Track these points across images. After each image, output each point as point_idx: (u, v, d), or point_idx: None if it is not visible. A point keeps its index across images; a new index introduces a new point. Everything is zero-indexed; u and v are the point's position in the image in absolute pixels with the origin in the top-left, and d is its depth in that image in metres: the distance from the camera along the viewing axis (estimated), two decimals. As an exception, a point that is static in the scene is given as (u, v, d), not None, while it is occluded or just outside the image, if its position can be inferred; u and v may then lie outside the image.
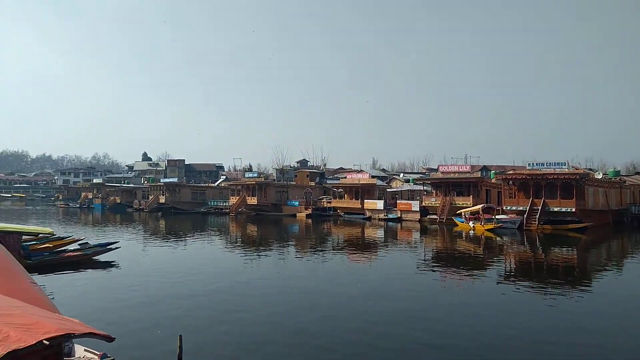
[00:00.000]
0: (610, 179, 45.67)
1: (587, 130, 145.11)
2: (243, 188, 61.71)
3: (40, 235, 18.67)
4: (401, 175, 75.03)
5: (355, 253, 25.02)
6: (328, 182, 66.03)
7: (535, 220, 36.48)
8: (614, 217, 40.83)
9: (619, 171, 53.80)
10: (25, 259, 16.79)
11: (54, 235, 19.73)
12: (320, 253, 24.91)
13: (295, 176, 72.43)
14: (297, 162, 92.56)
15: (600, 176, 44.38)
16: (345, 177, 60.76)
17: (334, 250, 26.19)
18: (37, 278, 11.79)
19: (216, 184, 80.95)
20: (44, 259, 18.20)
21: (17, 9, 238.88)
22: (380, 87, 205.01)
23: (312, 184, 65.57)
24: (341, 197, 56.50)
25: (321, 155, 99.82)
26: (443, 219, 43.08)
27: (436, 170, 59.90)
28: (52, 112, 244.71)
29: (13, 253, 10.52)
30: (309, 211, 54.87)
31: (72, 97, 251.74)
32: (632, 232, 37.10)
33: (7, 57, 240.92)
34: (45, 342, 4.53)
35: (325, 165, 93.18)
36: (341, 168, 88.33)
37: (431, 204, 46.36)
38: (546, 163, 39.88)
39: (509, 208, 39.66)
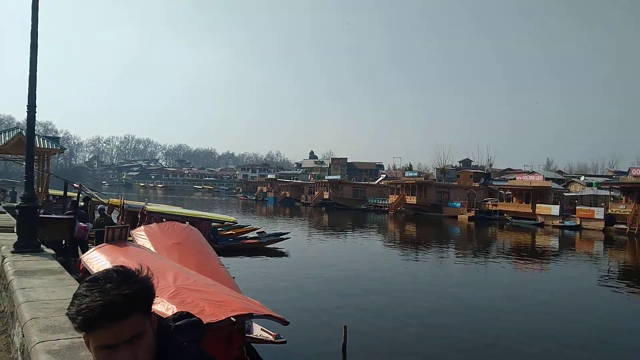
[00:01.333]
0: None
1: None
2: (402, 187, 61.56)
3: (225, 222, 21.24)
4: (582, 178, 66.68)
5: (523, 261, 23.12)
6: (494, 183, 62.07)
7: None
8: None
9: None
10: (213, 243, 19.34)
11: (236, 223, 22.31)
12: (484, 258, 23.62)
13: (458, 176, 69.61)
14: (460, 162, 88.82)
15: None
16: (515, 179, 56.40)
17: (499, 256, 24.57)
18: (222, 260, 13.51)
19: (376, 182, 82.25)
20: (228, 244, 20.70)
21: (215, 29, 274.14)
22: (555, 81, 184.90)
23: (476, 185, 62.27)
24: (509, 200, 52.59)
25: (487, 155, 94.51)
26: (635, 229, 37.12)
27: (627, 173, 51.74)
28: (235, 116, 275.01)
29: (205, 237, 12.25)
30: (472, 213, 52.24)
31: (249, 102, 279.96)
32: None
33: (213, 73, 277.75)
34: (232, 318, 5.22)
35: (491, 165, 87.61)
36: (509, 169, 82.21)
37: (620, 211, 40.27)
38: None
39: None
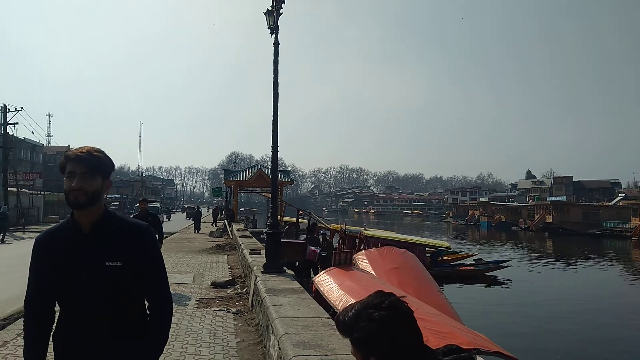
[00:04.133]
0: None
1: None
2: (650, 208, 51.33)
3: (439, 248, 20.95)
4: None
5: None
6: None
7: None
8: None
9: None
10: (429, 269, 19.21)
11: (450, 249, 21.80)
12: None
13: None
14: None
15: None
16: None
17: None
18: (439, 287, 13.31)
19: (612, 202, 70.57)
20: (443, 270, 20.32)
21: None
22: None
23: None
24: None
25: None
26: None
27: None
28: (449, 139, 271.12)
29: (422, 263, 12.29)
30: None
31: (457, 124, 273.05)
32: None
33: (414, 99, 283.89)
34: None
35: None
36: None
37: None
38: None
39: None
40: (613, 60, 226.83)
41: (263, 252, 9.27)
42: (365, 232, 19.46)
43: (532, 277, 22.54)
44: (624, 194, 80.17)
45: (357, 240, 18.57)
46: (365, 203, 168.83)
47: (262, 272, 7.97)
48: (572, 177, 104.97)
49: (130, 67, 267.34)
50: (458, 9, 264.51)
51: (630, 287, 21.14)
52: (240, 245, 13.76)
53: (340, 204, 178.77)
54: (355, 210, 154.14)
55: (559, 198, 73.08)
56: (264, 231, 9.61)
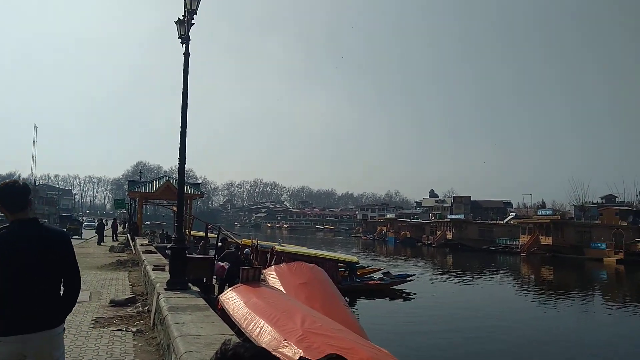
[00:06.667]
0: None
1: None
2: (535, 226, 56.75)
3: (352, 263, 21.34)
4: None
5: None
6: (647, 221, 54.25)
7: None
8: None
9: None
10: (338, 284, 19.52)
11: (359, 263, 22.39)
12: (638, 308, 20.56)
13: (600, 214, 62.39)
14: (602, 198, 79.73)
15: None
16: (673, 216, 48.82)
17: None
18: (347, 301, 13.60)
19: (504, 221, 77.13)
20: (352, 284, 20.80)
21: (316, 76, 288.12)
22: None
23: (624, 223, 55.08)
24: (667, 240, 45.52)
25: (635, 190, 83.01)
26: None
27: None
28: (353, 157, 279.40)
29: (330, 277, 12.49)
30: (620, 255, 46.05)
31: (366, 143, 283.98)
32: None
33: (334, 120, 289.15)
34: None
35: (640, 201, 77.15)
36: (665, 204, 71.43)
37: None
38: None
39: None
40: (501, 92, 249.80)
41: (167, 268, 8.88)
42: (278, 247, 19.40)
43: (435, 290, 23.83)
44: (514, 213, 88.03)
45: (268, 256, 18.45)
46: (279, 218, 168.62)
47: (165, 289, 7.61)
48: (470, 196, 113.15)
49: (24, 68, 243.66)
50: (387, 32, 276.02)
51: (519, 298, 23.10)
52: (144, 260, 13.07)
53: (253, 218, 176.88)
54: (269, 225, 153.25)
55: (458, 216, 78.27)
56: (168, 246, 9.22)
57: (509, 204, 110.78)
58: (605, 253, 47.61)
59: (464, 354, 11.64)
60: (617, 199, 78.71)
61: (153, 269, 10.43)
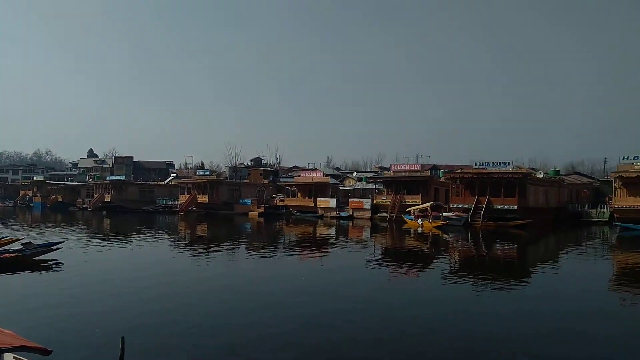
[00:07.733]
0: (550, 178, 47.82)
1: (532, 131, 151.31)
2: (194, 186, 60.43)
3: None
4: (354, 173, 75.69)
5: (306, 251, 25.05)
6: (282, 180, 65.71)
7: (480, 218, 37.87)
8: (553, 215, 42.90)
9: (559, 171, 55.96)
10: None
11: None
12: (272, 252, 24.77)
13: (249, 174, 71.68)
14: (251, 160, 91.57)
15: (541, 175, 46.33)
16: (300, 176, 60.67)
17: (285, 248, 26.13)
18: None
19: (166, 181, 78.79)
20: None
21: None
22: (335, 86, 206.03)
23: (266, 182, 65.10)
24: (294, 195, 56.44)
25: (275, 154, 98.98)
26: (393, 216, 43.92)
27: (388, 169, 60.84)
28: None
29: None
30: (262, 210, 54.47)
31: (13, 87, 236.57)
32: (569, 229, 39.11)
33: None
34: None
35: (279, 163, 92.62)
36: (295, 166, 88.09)
37: (382, 202, 47.16)
38: (492, 162, 41.09)
39: (455, 206, 40.94)
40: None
41: None
42: None
43: (87, 256, 22.15)
44: (175, 174, 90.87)
45: None
46: None
47: None
48: (132, 157, 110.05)
49: None
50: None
51: (175, 254, 24.09)
52: None
53: None
54: None
55: (119, 177, 75.09)
56: None
57: (172, 165, 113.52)
58: (251, 208, 55.31)
59: (110, 315, 11.26)
60: (262, 161, 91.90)
61: None
